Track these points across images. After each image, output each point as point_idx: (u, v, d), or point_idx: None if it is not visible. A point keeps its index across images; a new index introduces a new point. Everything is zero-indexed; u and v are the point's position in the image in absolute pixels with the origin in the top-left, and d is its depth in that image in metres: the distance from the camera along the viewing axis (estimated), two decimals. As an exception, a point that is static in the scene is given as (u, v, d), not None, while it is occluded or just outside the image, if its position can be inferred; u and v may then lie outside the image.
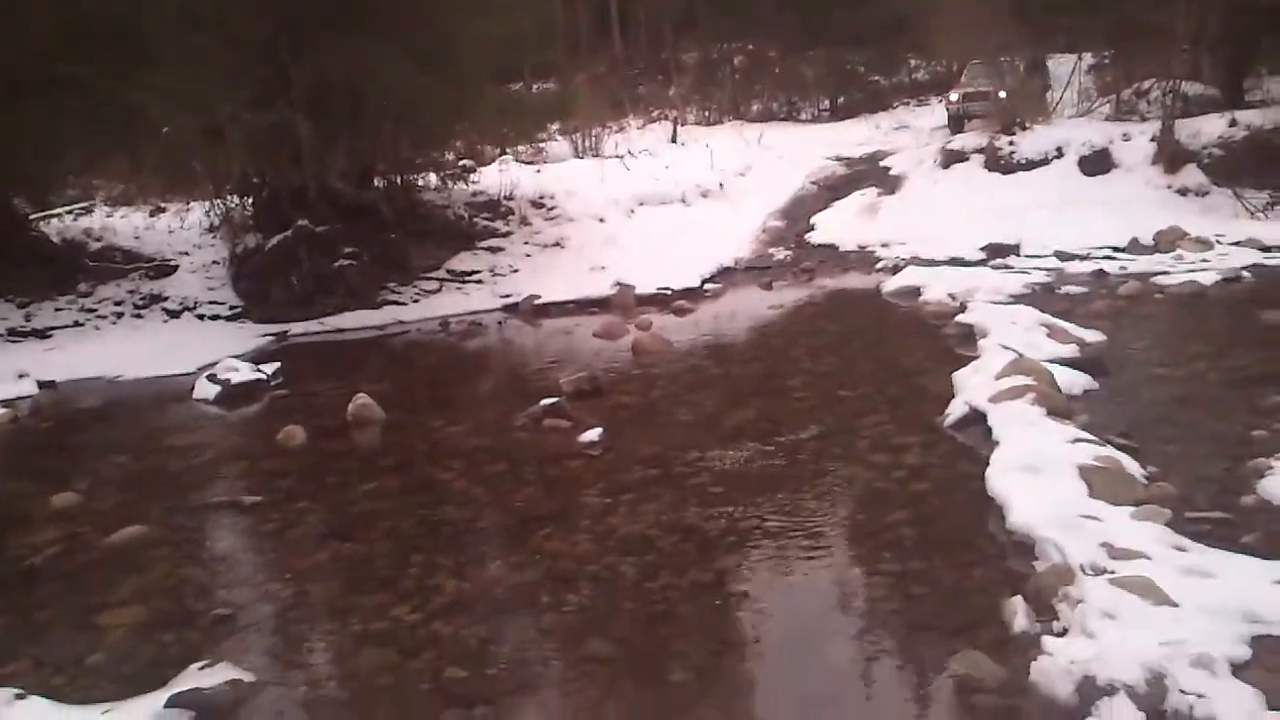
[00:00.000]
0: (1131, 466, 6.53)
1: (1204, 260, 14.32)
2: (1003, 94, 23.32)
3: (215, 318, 15.76)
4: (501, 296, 16.17)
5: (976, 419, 7.93)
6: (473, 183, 18.38)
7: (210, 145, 16.04)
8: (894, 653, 4.94)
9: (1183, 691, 4.08)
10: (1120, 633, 4.46)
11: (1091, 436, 7.09)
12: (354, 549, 6.73)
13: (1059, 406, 7.83)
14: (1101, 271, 14.11)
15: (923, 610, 5.27)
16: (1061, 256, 15.34)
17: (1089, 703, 4.12)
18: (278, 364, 12.44)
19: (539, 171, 20.64)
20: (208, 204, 18.01)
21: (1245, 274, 13.18)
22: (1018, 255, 15.85)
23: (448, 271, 16.92)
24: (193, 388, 11.76)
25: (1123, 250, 15.43)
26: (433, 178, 18.13)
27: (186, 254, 17.16)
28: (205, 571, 6.68)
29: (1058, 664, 4.35)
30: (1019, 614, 4.95)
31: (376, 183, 17.50)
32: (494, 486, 7.73)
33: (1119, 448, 6.89)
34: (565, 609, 5.62)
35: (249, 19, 14.67)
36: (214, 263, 16.80)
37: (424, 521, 7.13)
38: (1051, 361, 8.93)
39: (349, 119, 15.88)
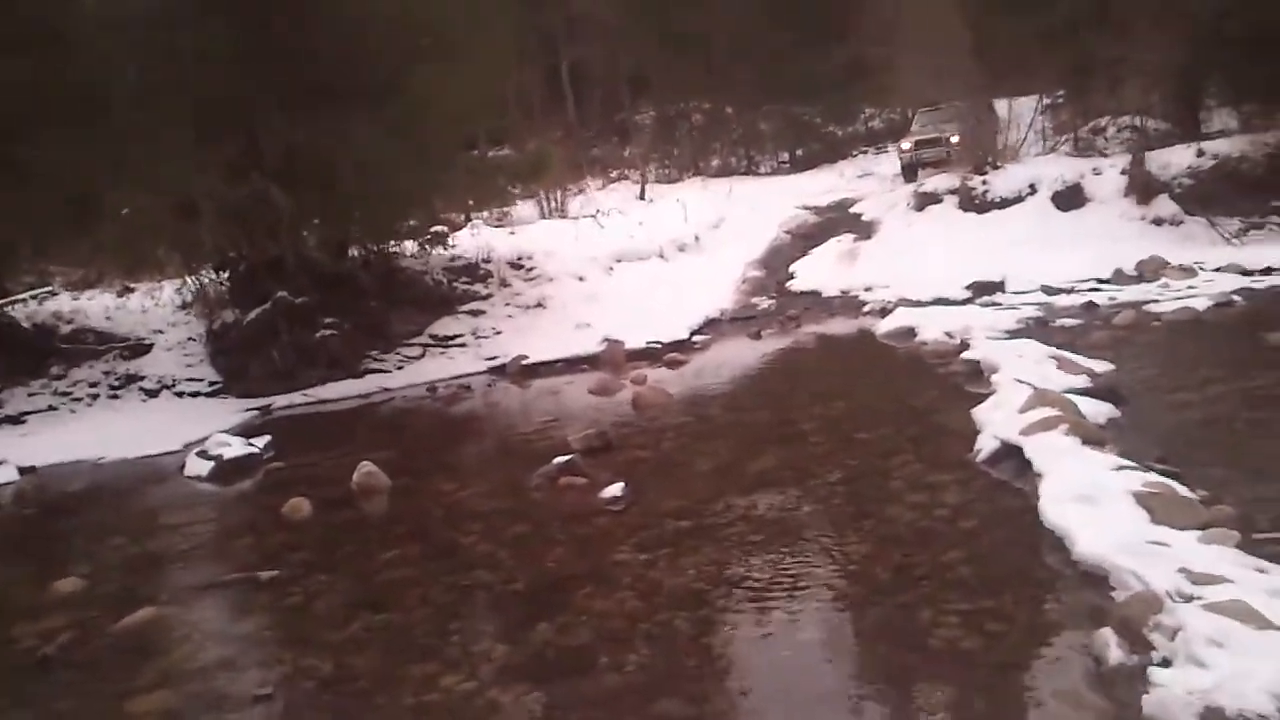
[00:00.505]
0: (1183, 491, 6.37)
1: (1190, 287, 14.35)
2: (954, 139, 23.64)
3: (195, 395, 15.46)
4: (487, 359, 15.97)
5: (1009, 453, 7.76)
6: (450, 247, 18.17)
7: (180, 222, 15.78)
8: (986, 693, 4.71)
9: (1314, 718, 3.88)
10: (1234, 660, 4.25)
11: (1133, 463, 6.94)
12: (388, 619, 6.43)
13: (1093, 435, 7.68)
14: (1092, 303, 14.08)
15: (1004, 648, 5.05)
16: (1048, 291, 15.33)
17: (1220, 734, 3.90)
18: (268, 437, 12.10)
19: (512, 234, 20.52)
20: (180, 281, 17.69)
21: (1236, 298, 13.18)
22: (1004, 292, 15.83)
23: (430, 337, 16.71)
24: (183, 465, 11.49)
25: (1108, 281, 15.44)
26: (409, 244, 17.89)
27: (161, 332, 16.86)
28: (232, 650, 6.35)
29: (1174, 695, 4.13)
30: (1111, 646, 4.73)
31: (353, 252, 17.26)
32: (521, 548, 7.45)
33: (1161, 473, 6.73)
34: (626, 669, 5.35)
35: (218, 86, 14.50)
36: (190, 339, 16.51)
37: (455, 587, 6.84)
38: (1070, 392, 8.84)
39: (322, 189, 15.69)
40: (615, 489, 8.31)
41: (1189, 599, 4.90)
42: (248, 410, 14.46)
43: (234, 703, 5.52)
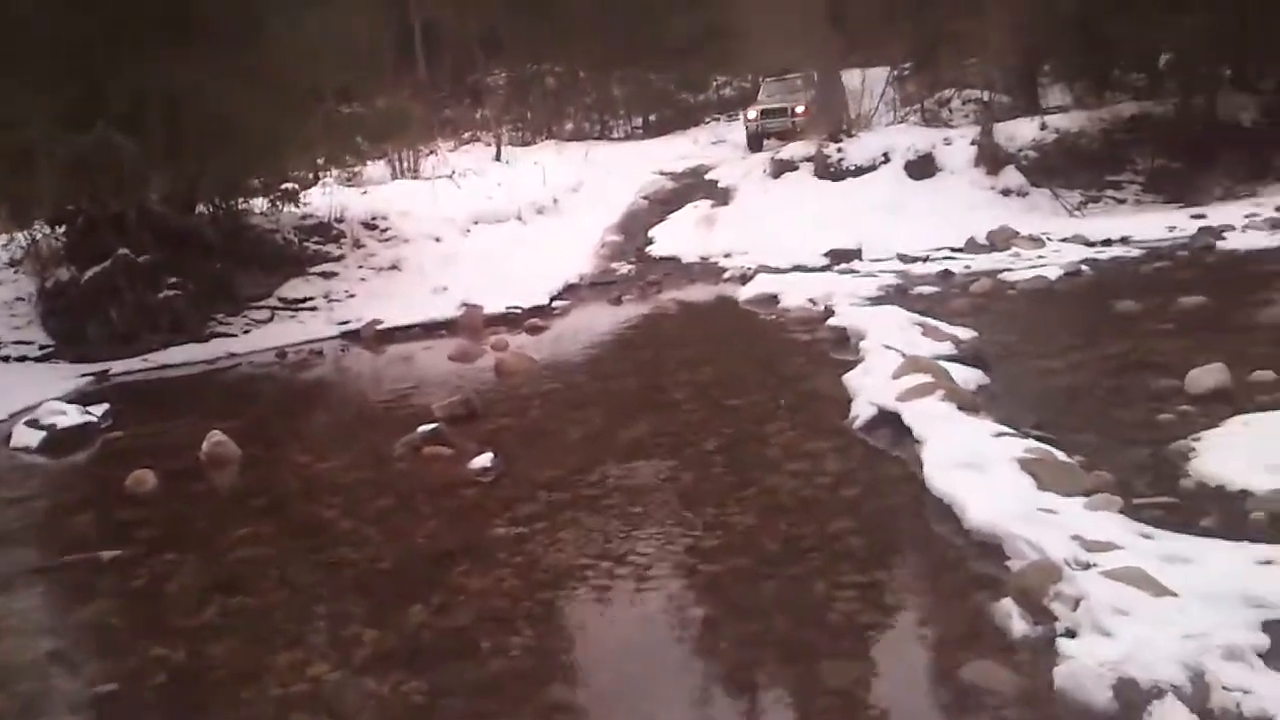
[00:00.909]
0: (1063, 457, 6.37)
1: (1040, 257, 14.72)
2: (800, 110, 24.14)
3: (23, 359, 14.44)
4: (339, 324, 15.34)
5: (886, 420, 7.69)
6: (302, 205, 17.38)
7: (9, 171, 14.71)
8: (894, 669, 4.57)
9: (1225, 688, 3.83)
10: (1139, 629, 4.17)
11: (1010, 429, 6.94)
12: (245, 602, 5.96)
13: (968, 402, 7.66)
14: (947, 271, 14.30)
15: (905, 621, 4.94)
16: (904, 259, 15.51)
17: (1136, 707, 3.81)
18: (106, 405, 11.32)
19: (365, 193, 19.82)
20: (7, 236, 16.48)
21: (1084, 268, 13.56)
22: (860, 260, 15.97)
23: (279, 299, 15.99)
24: (8, 437, 10.61)
25: (961, 250, 15.72)
26: (259, 201, 17.04)
27: (-16, 289, 15.68)
28: (70, 642, 5.83)
29: (1085, 666, 4.03)
30: (1014, 616, 4.64)
31: (200, 208, 16.35)
32: (387, 523, 7.04)
33: (1037, 439, 6.74)
34: (511, 653, 5.02)
35: (60, 23, 13.49)
36: (18, 299, 15.45)
37: (318, 566, 6.42)
38: (939, 359, 8.85)
39: (170, 138, 14.79)
40: (484, 459, 7.94)
41: (1086, 567, 4.85)
42: (83, 376, 13.55)
43: (73, 702, 5.03)
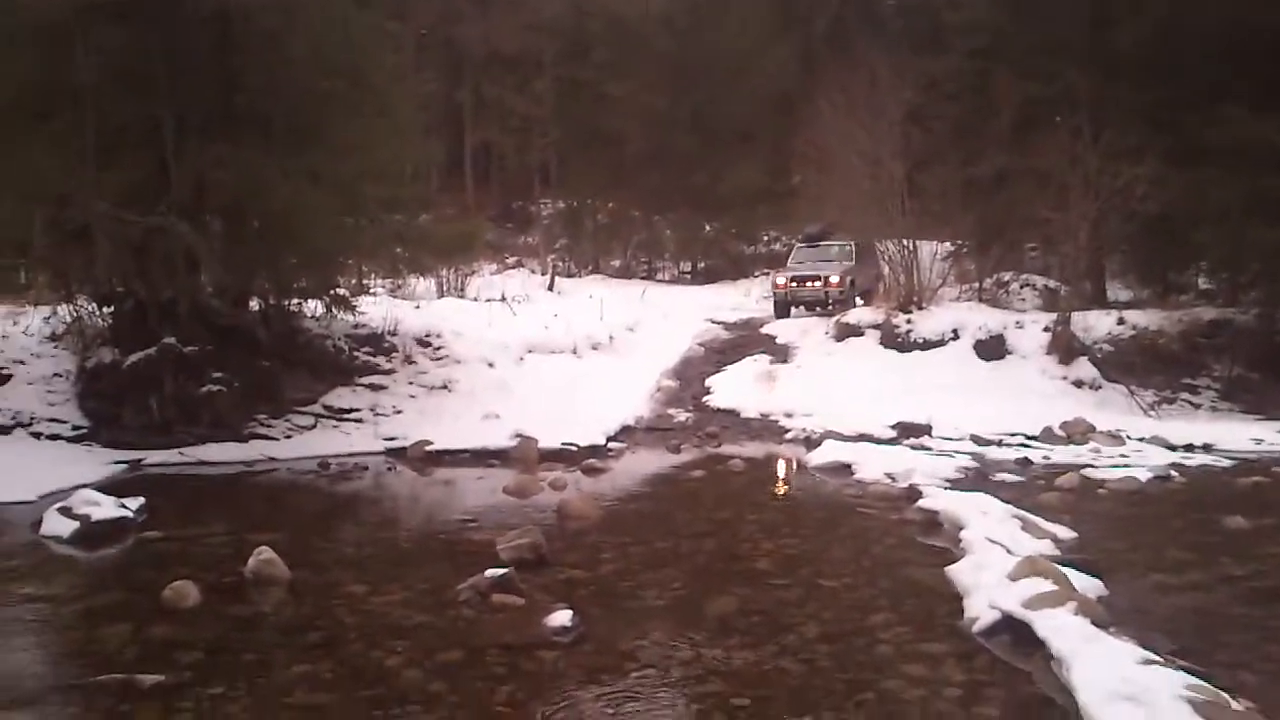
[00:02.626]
0: (1237, 704, 5.66)
1: (1123, 455, 14.12)
2: (834, 279, 23.29)
3: (55, 437, 13.90)
4: (385, 439, 14.76)
5: (1010, 627, 7.02)
6: (358, 314, 16.96)
7: (63, 244, 14.39)
8: None
9: None
10: None
11: (1159, 658, 6.24)
12: (306, 762, 5.27)
13: (1100, 617, 6.99)
14: (1027, 460, 13.73)
15: None
16: (978, 441, 14.92)
17: None
18: (142, 499, 10.70)
19: (418, 308, 19.44)
20: (50, 310, 16.02)
21: (1173, 473, 12.91)
22: (930, 436, 15.36)
23: (324, 407, 15.46)
24: (38, 522, 9.98)
25: (1037, 438, 15.14)
26: (313, 304, 16.63)
27: (22, 362, 15.14)
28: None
29: None
30: None
31: (253, 304, 15.95)
32: (458, 681, 6.33)
33: (1189, 673, 6.04)
34: None
35: (132, 102, 13.32)
36: (55, 375, 14.86)
37: (387, 726, 5.71)
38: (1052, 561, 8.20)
39: (232, 230, 14.48)
40: (562, 617, 7.26)
41: None
42: (115, 463, 12.98)
43: None
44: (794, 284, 24.08)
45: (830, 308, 23.20)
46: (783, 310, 24.42)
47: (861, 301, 23.50)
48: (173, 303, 14.23)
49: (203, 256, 13.70)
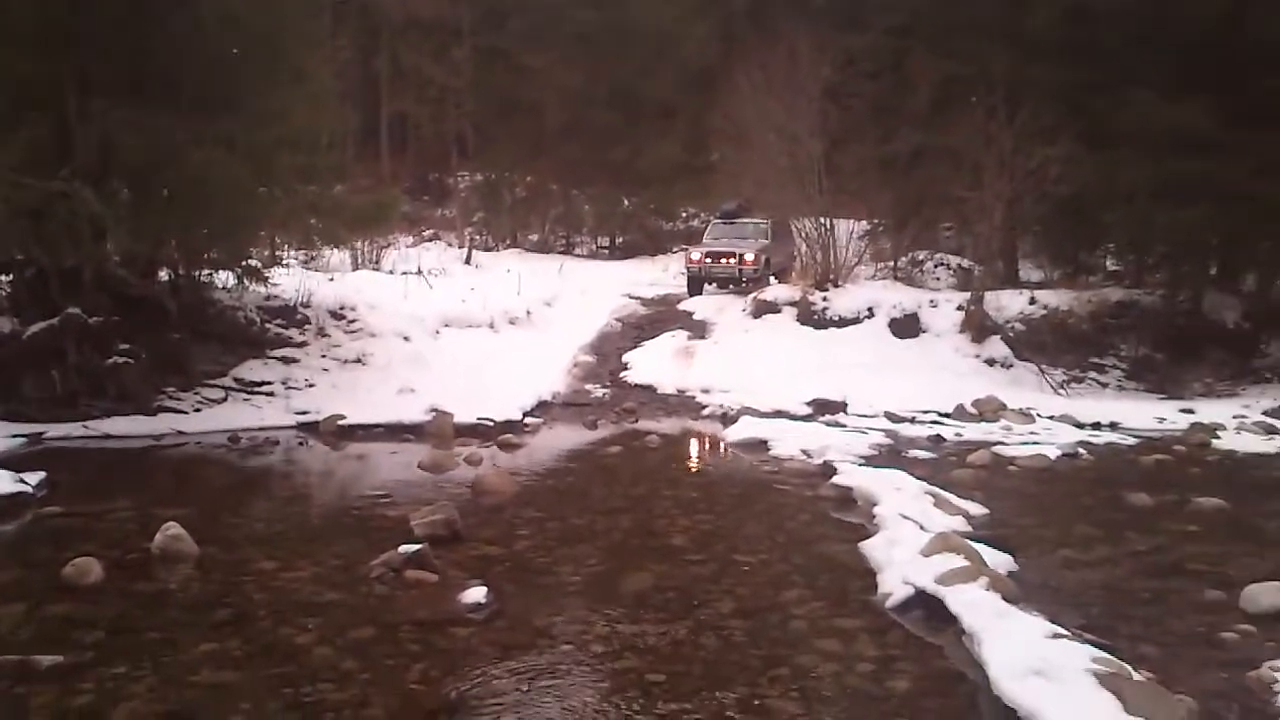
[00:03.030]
0: (1138, 675, 5.78)
1: (1033, 433, 14.45)
2: (749, 256, 23.19)
3: (-53, 411, 13.32)
4: (297, 413, 14.44)
5: (923, 603, 7.11)
6: (271, 285, 16.58)
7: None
8: None
9: None
10: None
11: (1067, 632, 6.36)
12: (212, 742, 5.14)
13: (1011, 593, 7.11)
14: (939, 437, 13.95)
15: None
16: (892, 418, 15.10)
17: None
18: (43, 474, 10.37)
19: (332, 279, 19.09)
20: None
21: (1081, 450, 13.21)
22: (845, 413, 15.55)
23: (235, 380, 15.08)
24: (-71, 498, 9.61)
25: (949, 416, 15.40)
26: (224, 276, 16.21)
27: (-87, 334, 14.55)
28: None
29: None
30: None
31: (162, 275, 15.50)
32: (370, 659, 6.23)
33: (1097, 646, 6.17)
34: None
35: (33, 62, 12.81)
36: (-51, 347, 14.29)
37: (295, 705, 5.59)
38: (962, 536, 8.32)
39: (140, 198, 14.03)
40: (476, 594, 7.21)
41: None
42: (14, 436, 12.49)
43: None
44: (708, 260, 23.87)
45: (745, 285, 23.20)
46: (696, 287, 24.23)
47: (775, 280, 23.47)
48: (76, 271, 13.73)
49: (108, 224, 13.21)
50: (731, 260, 23.44)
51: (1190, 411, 15.60)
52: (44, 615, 6.87)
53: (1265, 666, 6.08)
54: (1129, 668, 5.83)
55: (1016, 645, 6.01)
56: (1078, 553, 8.77)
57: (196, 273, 16.00)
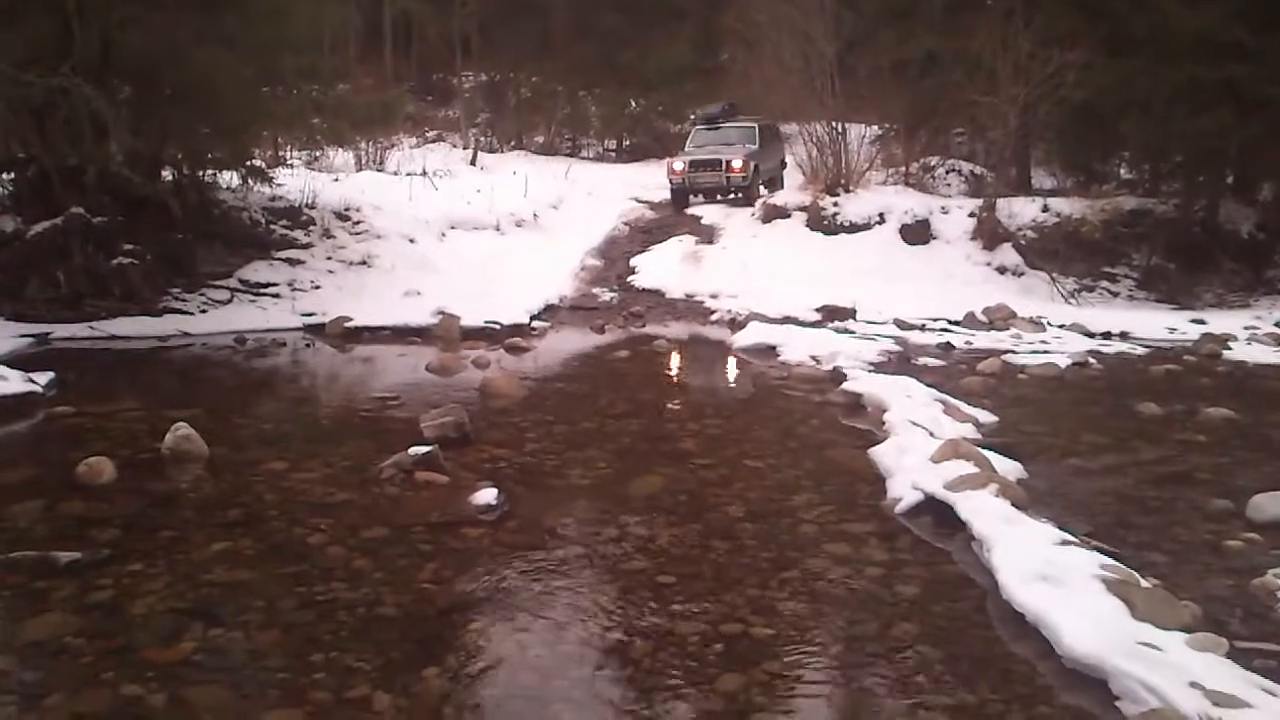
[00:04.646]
0: (1146, 581, 5.82)
1: (1043, 341, 14.34)
2: (737, 164, 22.14)
3: (-49, 309, 13.32)
4: (303, 315, 14.47)
5: (932, 508, 7.13)
6: (276, 186, 16.45)
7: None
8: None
9: None
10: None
11: (1075, 539, 6.38)
12: (229, 638, 5.18)
13: (1020, 499, 7.13)
14: (949, 345, 13.88)
15: (1012, 765, 4.31)
16: (901, 325, 15.05)
17: None
18: (51, 374, 10.38)
19: (337, 181, 18.95)
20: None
21: (1091, 360, 13.14)
22: (855, 319, 15.48)
23: (240, 281, 15.07)
24: (-62, 396, 9.62)
25: (959, 324, 15.30)
26: (228, 176, 16.09)
27: (-84, 230, 14.48)
28: (22, 665, 4.96)
29: None
30: (1145, 779, 4.06)
31: (166, 174, 15.37)
32: (383, 559, 6.27)
33: (1105, 553, 6.20)
34: (556, 744, 4.34)
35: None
36: (-48, 245, 14.23)
37: (310, 603, 5.63)
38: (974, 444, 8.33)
39: (143, 96, 13.87)
40: (487, 495, 7.23)
41: (1222, 728, 4.27)
42: (21, 336, 12.53)
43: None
44: (691, 170, 22.58)
45: (733, 196, 22.28)
46: (680, 199, 22.91)
47: (766, 191, 22.81)
48: (79, 170, 13.66)
49: (110, 122, 13.06)
50: (717, 169, 22.32)
51: (1201, 322, 15.51)
52: (59, 513, 6.90)
53: (1269, 574, 6.10)
54: (1136, 574, 5.85)
55: (1025, 551, 6.03)
56: (1086, 461, 8.76)
57: (200, 173, 15.89)
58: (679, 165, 22.93)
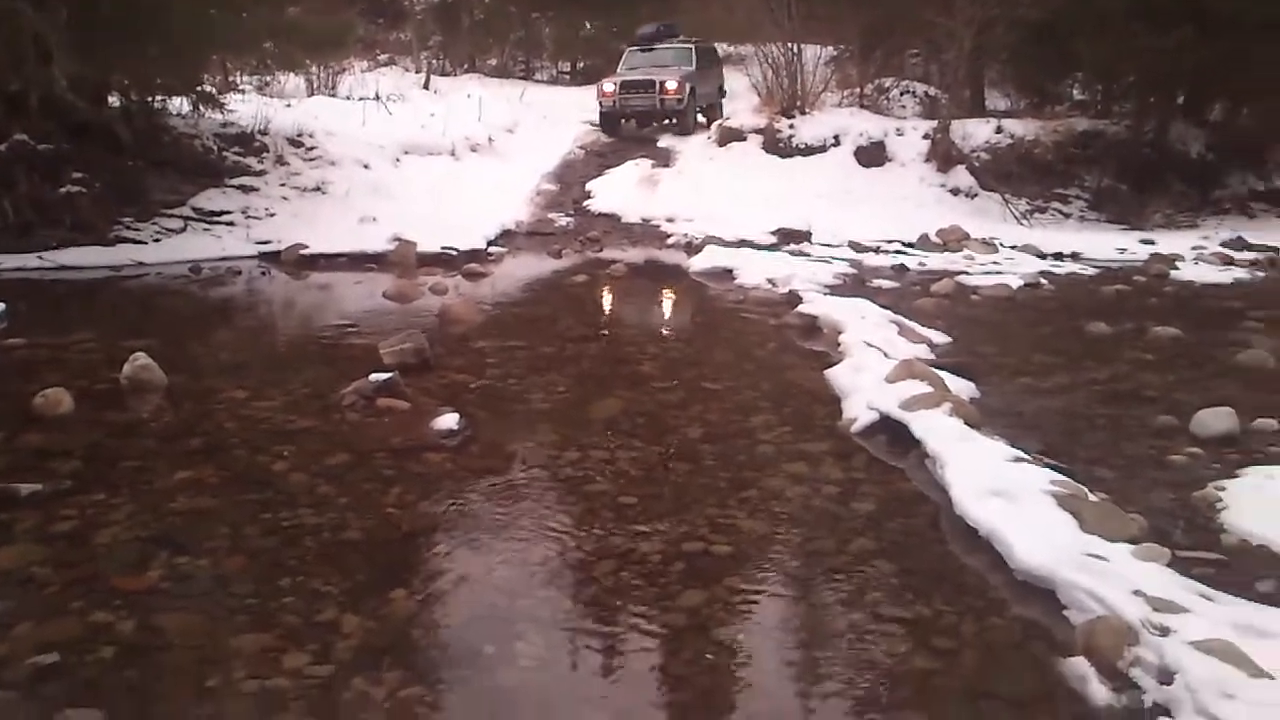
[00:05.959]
0: (1094, 495, 6.00)
1: (995, 263, 14.54)
2: (671, 86, 21.30)
3: (-106, 245, 13.09)
4: (258, 243, 14.37)
5: (887, 427, 7.28)
6: (227, 112, 16.19)
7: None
8: (971, 733, 4.11)
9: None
10: (1251, 716, 3.79)
11: (1026, 456, 6.55)
12: (195, 565, 5.23)
13: (973, 418, 7.28)
14: (903, 266, 14.05)
15: (964, 672, 4.45)
16: (856, 247, 15.19)
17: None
18: (2, 305, 10.28)
19: (289, 106, 18.67)
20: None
21: (1042, 280, 13.36)
22: (810, 242, 15.58)
23: (193, 210, 14.89)
24: (-112, 331, 9.52)
25: (913, 246, 15.48)
26: (178, 102, 15.80)
27: None
28: (-9, 596, 5.00)
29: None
30: (1089, 680, 4.23)
31: (113, 100, 15.07)
32: (347, 484, 6.32)
33: (1055, 469, 6.38)
34: (522, 663, 4.44)
35: None
36: (-107, 177, 13.94)
37: (275, 529, 5.68)
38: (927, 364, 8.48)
39: (86, 17, 13.53)
40: (448, 420, 7.29)
41: (1163, 631, 4.44)
42: (-32, 268, 12.38)
43: (9, 676, 4.24)
44: (623, 91, 21.54)
45: (668, 121, 21.51)
46: (610, 125, 22.00)
47: (704, 119, 22.21)
48: (22, 96, 13.37)
49: (53, 45, 12.78)
50: (650, 91, 21.31)
51: (1150, 242, 15.76)
52: (18, 445, 6.86)
53: (1210, 486, 6.31)
54: (1084, 489, 6.02)
55: (977, 468, 6.19)
56: (1037, 380, 8.94)
57: (149, 99, 15.58)
58: (609, 87, 21.85)
